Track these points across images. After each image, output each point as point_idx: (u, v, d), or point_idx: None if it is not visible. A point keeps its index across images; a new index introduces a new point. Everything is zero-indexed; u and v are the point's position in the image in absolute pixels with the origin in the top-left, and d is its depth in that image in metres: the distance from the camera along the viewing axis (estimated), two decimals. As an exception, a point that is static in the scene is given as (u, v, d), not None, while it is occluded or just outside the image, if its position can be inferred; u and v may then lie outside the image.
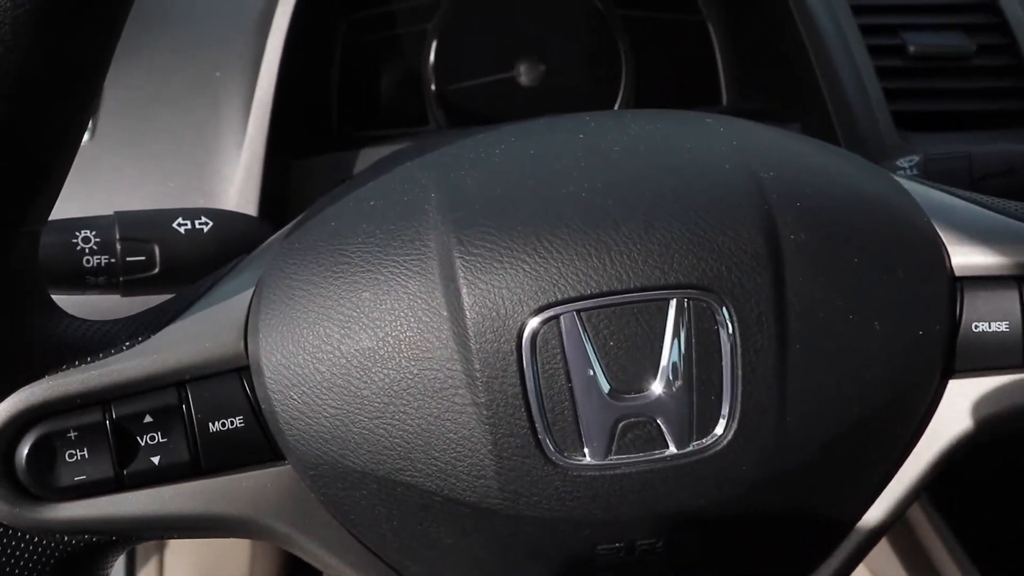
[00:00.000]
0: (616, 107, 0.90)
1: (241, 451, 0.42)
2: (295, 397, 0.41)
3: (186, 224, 0.55)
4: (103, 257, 0.53)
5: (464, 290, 0.39)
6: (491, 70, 0.89)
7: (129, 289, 0.54)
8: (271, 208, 0.68)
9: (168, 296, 0.55)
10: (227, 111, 0.70)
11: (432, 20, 0.87)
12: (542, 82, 0.89)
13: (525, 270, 0.39)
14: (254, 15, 0.74)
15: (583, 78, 0.90)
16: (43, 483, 0.40)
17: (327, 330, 0.41)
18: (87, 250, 0.52)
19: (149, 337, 0.42)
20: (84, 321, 0.43)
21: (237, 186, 0.67)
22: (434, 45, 0.86)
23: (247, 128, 0.69)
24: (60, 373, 0.41)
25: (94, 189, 0.68)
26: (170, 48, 0.74)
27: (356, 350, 0.40)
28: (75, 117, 0.38)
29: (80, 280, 0.53)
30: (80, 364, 0.41)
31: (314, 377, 0.41)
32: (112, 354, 0.42)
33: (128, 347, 0.42)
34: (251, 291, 0.44)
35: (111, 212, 0.59)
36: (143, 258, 0.53)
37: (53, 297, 0.44)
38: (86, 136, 0.71)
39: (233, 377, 0.42)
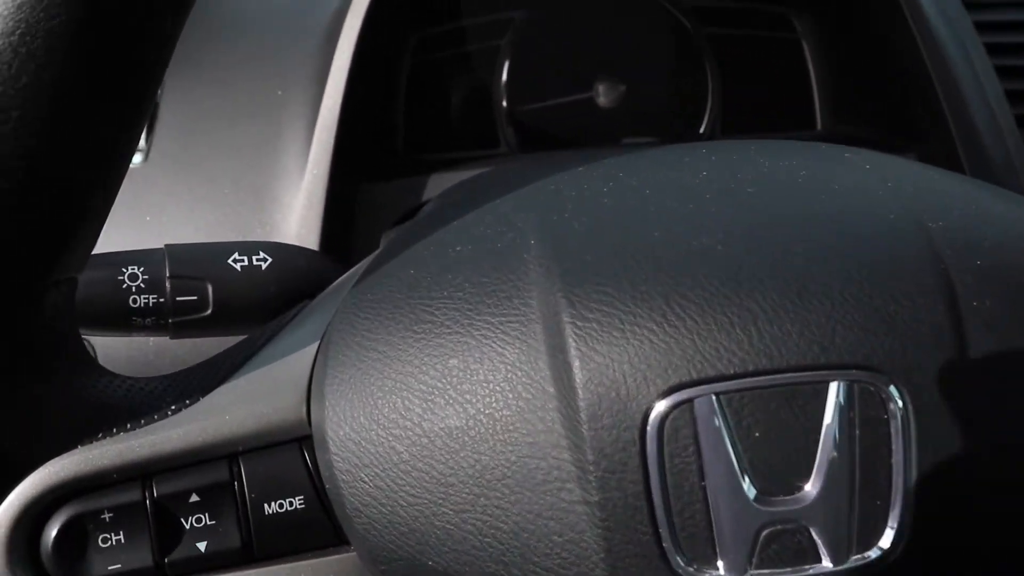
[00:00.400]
0: (701, 130, 0.84)
1: (300, 535, 0.36)
2: (366, 479, 0.35)
3: (243, 260, 0.49)
4: (151, 296, 0.47)
5: (576, 363, 0.32)
6: (567, 90, 0.84)
7: (179, 331, 0.49)
8: (334, 239, 0.63)
9: (222, 338, 0.49)
10: (289, 132, 0.65)
11: (505, 37, 0.82)
12: (621, 104, 0.83)
13: (652, 341, 0.32)
14: (320, 30, 0.69)
15: (665, 100, 0.84)
16: (73, 572, 0.35)
17: (406, 402, 0.35)
18: (134, 288, 0.47)
19: (198, 399, 0.37)
20: (124, 379, 0.38)
21: (298, 213, 0.62)
22: (507, 63, 0.82)
23: (310, 150, 0.63)
24: (95, 443, 0.35)
25: (143, 214, 0.64)
26: (230, 63, 0.69)
27: (441, 429, 0.34)
28: (118, 147, 0.32)
29: (125, 321, 0.47)
30: (118, 431, 0.36)
31: (390, 457, 0.34)
32: (155, 420, 0.36)
33: (174, 411, 0.36)
34: (315, 346, 0.38)
35: (161, 243, 0.54)
36: (195, 298, 0.48)
37: (90, 338, 0.38)
38: (138, 157, 0.66)
39: (293, 449, 0.36)
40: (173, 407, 0.37)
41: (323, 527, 0.36)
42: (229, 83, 0.68)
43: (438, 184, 0.71)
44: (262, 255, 0.50)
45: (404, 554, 0.35)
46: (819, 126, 0.86)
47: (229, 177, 0.64)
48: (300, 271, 0.51)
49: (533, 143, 0.83)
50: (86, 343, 0.54)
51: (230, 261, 0.49)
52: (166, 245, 0.50)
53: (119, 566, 0.35)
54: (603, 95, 0.83)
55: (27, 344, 0.34)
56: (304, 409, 0.37)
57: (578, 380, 0.32)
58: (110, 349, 0.57)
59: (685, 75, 0.84)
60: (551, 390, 0.32)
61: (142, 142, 0.66)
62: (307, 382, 0.37)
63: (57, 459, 0.35)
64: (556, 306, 0.33)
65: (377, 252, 0.42)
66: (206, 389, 0.37)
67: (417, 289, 0.36)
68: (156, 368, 0.61)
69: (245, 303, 0.49)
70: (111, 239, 0.66)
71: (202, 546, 0.36)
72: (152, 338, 0.50)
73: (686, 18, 0.83)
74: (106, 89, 0.30)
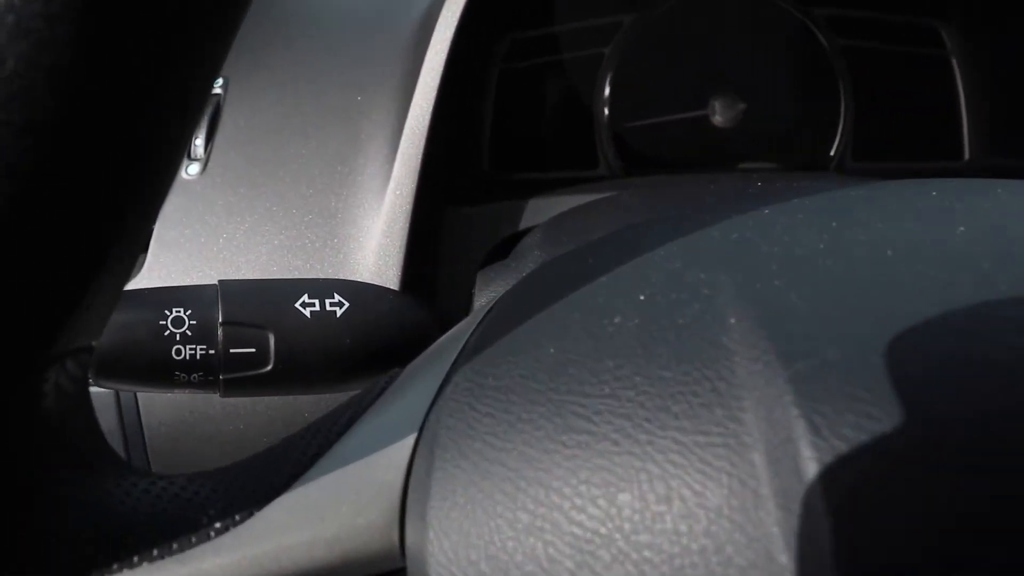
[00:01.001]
0: (831, 156, 0.74)
1: None
2: None
3: (313, 305, 0.40)
4: (199, 347, 0.38)
5: (828, 524, 0.22)
6: (678, 106, 0.74)
7: (231, 390, 0.39)
8: (417, 272, 0.53)
9: (281, 398, 0.40)
10: (369, 144, 0.55)
11: (610, 44, 0.73)
12: (740, 123, 0.74)
13: (956, 497, 0.21)
14: (407, 29, 0.60)
15: (791, 121, 0.75)
16: None
17: (551, 550, 0.24)
18: (178, 336, 0.38)
19: (250, 514, 0.27)
20: (151, 480, 0.28)
21: (377, 240, 0.52)
22: (610, 73, 0.72)
23: (393, 167, 0.54)
24: None
25: (196, 235, 0.55)
26: (303, 64, 0.60)
27: None
28: (151, 170, 0.23)
29: (167, 376, 0.38)
30: (140, 560, 0.26)
31: None
32: (192, 543, 0.27)
33: (217, 532, 0.27)
34: (411, 443, 0.28)
35: (213, 270, 0.45)
36: (252, 351, 0.39)
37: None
38: (194, 168, 0.57)
39: None
40: (217, 525, 0.27)
41: None
42: (301, 87, 0.59)
43: (540, 210, 0.62)
44: (337, 298, 0.40)
45: None
46: (967, 155, 0.76)
47: (298, 194, 0.55)
48: (382, 320, 0.41)
49: (637, 165, 0.73)
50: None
51: (298, 305, 0.40)
52: (220, 281, 0.40)
53: None
54: (720, 113, 0.74)
55: (21, 445, 0.24)
56: (396, 534, 0.27)
57: (829, 552, 0.21)
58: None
59: (815, 94, 0.74)
60: (783, 560, 0.22)
61: (199, 150, 0.57)
62: (400, 495, 0.27)
63: None
64: (788, 428, 0.23)
65: (490, 311, 0.32)
66: (261, 499, 0.28)
67: (563, 379, 0.26)
68: (197, 418, 0.52)
69: (313, 359, 0.40)
70: (153, 265, 0.58)
71: None
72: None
73: (819, 29, 0.73)
74: (141, 82, 0.21)
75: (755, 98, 0.73)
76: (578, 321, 0.28)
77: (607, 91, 0.72)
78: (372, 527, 0.27)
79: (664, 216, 0.35)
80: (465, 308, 0.56)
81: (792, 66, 0.74)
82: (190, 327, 0.38)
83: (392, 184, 0.53)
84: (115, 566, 0.26)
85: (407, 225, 0.52)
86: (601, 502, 0.24)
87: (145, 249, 0.55)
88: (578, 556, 0.24)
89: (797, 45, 0.73)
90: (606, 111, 0.72)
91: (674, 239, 0.31)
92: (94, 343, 0.26)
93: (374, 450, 0.28)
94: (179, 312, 0.38)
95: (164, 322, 0.38)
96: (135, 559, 0.26)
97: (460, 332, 0.33)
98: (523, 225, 0.61)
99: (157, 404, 0.50)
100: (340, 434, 0.29)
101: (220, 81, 0.61)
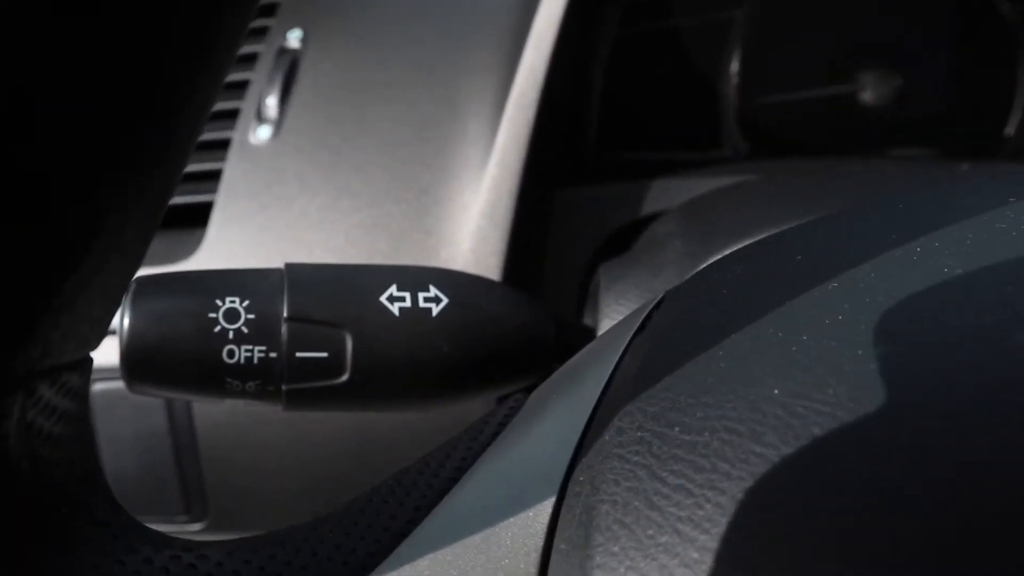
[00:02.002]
0: (1005, 139, 0.63)
1: None
2: None
3: (402, 299, 0.31)
4: (257, 349, 0.30)
5: None
6: (820, 81, 0.65)
7: (295, 403, 0.31)
8: (522, 261, 0.44)
9: (356, 411, 0.32)
10: (469, 109, 0.47)
11: (742, 6, 0.64)
12: (894, 102, 0.63)
13: None
14: None
15: (952, 100, 0.64)
16: None
17: None
18: (231, 334, 0.30)
19: None
20: (176, 555, 0.19)
21: (475, 222, 0.44)
22: (741, 41, 0.63)
23: (496, 137, 0.45)
24: None
25: (263, 206, 0.46)
26: (393, 13, 0.52)
27: None
28: (155, 120, 0.15)
29: (215, 384, 0.30)
30: None
31: None
32: None
33: None
34: (546, 513, 0.19)
35: (280, 249, 0.37)
36: (324, 355, 0.30)
37: None
38: (265, 131, 0.49)
39: None
40: None
41: None
42: (389, 40, 0.51)
43: (657, 193, 0.53)
44: (433, 292, 0.31)
45: None
46: None
47: (382, 165, 0.46)
48: (489, 322, 0.32)
49: (767, 146, 0.64)
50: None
51: (383, 299, 0.31)
52: (287, 265, 0.32)
53: None
54: (870, 89, 0.64)
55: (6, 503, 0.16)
56: None
57: None
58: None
59: (985, 69, 0.63)
60: None
61: (272, 111, 0.49)
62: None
63: None
64: None
65: (647, 322, 0.23)
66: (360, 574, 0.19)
67: (806, 434, 0.17)
68: (256, 422, 0.44)
69: (400, 370, 0.31)
70: (214, 242, 0.50)
71: None
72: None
73: (994, -7, 0.63)
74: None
75: (913, 73, 0.63)
76: (812, 347, 0.18)
77: (737, 62, 0.63)
78: None
79: (877, 200, 0.25)
80: (575, 308, 0.47)
81: (959, 35, 0.64)
82: (247, 322, 0.30)
83: (495, 156, 0.45)
84: None
85: (512, 205, 0.43)
86: None
87: (202, 224, 0.47)
88: None
89: (968, 12, 0.63)
90: (734, 84, 0.63)
91: (927, 231, 0.21)
92: (90, 354, 0.18)
93: (492, 524, 0.19)
94: (234, 303, 0.30)
95: (215, 315, 0.30)
96: None
97: (605, 349, 0.23)
98: (644, 211, 0.52)
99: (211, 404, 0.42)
100: (440, 495, 0.20)
101: (298, 33, 0.53)
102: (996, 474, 0.16)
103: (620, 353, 0.23)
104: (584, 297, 0.46)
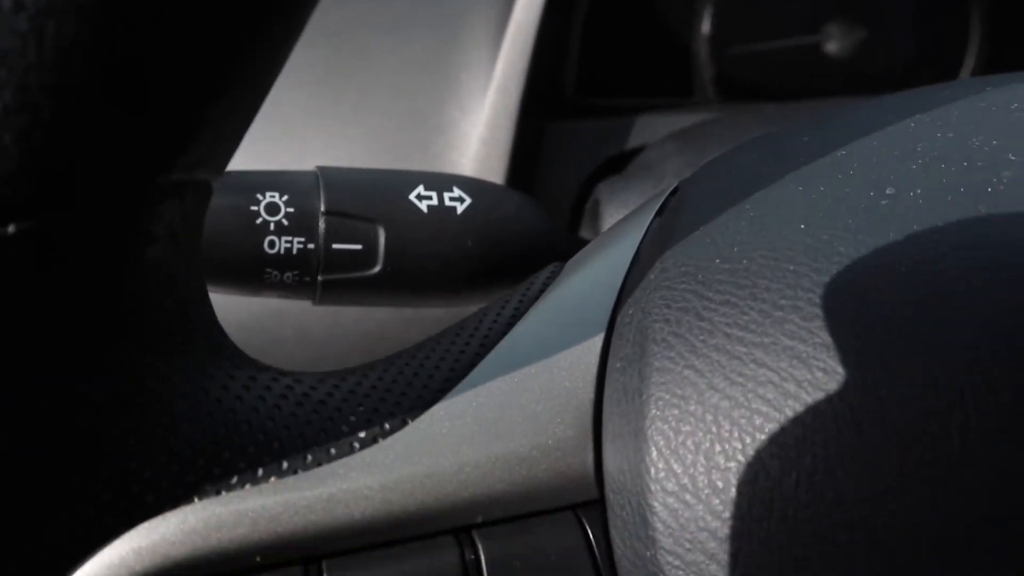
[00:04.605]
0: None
1: None
2: None
3: (429, 198, 0.33)
4: (296, 240, 0.32)
5: None
6: (787, 31, 0.67)
7: (328, 295, 0.33)
8: (520, 186, 0.47)
9: (385, 306, 0.34)
10: (468, 41, 0.48)
11: (713, -42, 0.66)
12: (857, 52, 0.66)
13: None
14: None
15: (913, 50, 0.67)
16: None
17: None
18: (272, 226, 0.31)
19: (403, 423, 0.21)
20: (276, 375, 0.22)
21: (475, 149, 0.46)
22: None
23: (495, 67, 0.47)
24: (226, 492, 0.19)
25: (265, 138, 0.48)
26: None
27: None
28: None
29: (255, 273, 0.32)
30: (265, 475, 0.20)
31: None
32: (332, 456, 0.20)
33: (363, 444, 0.20)
34: (598, 343, 0.22)
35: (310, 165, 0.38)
36: (359, 247, 0.32)
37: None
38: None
39: (566, 522, 0.20)
40: (361, 434, 0.21)
41: None
42: None
43: (641, 127, 0.55)
44: (457, 193, 0.34)
45: None
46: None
47: (384, 94, 0.48)
48: (508, 223, 0.34)
49: (736, 95, 0.67)
50: None
51: (412, 197, 0.33)
52: (318, 167, 0.34)
53: None
54: (835, 40, 0.67)
55: (130, 298, 0.18)
56: (590, 457, 0.21)
57: None
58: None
59: (942, 19, 0.66)
60: None
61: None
62: (592, 408, 0.21)
63: (157, 520, 0.19)
64: None
65: (671, 197, 0.25)
66: (414, 406, 0.21)
67: (834, 258, 0.19)
68: (280, 324, 0.46)
69: (429, 262, 0.33)
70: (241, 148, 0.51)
71: None
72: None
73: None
74: None
75: (876, 24, 0.66)
76: (830, 196, 0.21)
77: (709, 12, 0.65)
78: (561, 446, 0.21)
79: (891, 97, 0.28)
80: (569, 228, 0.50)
81: (918, -11, 0.67)
82: (286, 215, 0.32)
83: (495, 83, 0.47)
84: (235, 479, 0.20)
85: (512, 131, 0.46)
86: (919, 413, 0.17)
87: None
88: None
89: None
90: (706, 36, 0.65)
91: (925, 111, 0.24)
92: (213, 182, 0.20)
93: (550, 353, 0.22)
94: (273, 197, 0.32)
95: (256, 207, 0.31)
96: (260, 472, 0.20)
97: (635, 217, 0.26)
98: (632, 144, 0.54)
99: (235, 304, 0.44)
100: (501, 334, 0.23)
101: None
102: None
103: (652, 216, 0.25)
104: (577, 221, 0.49)
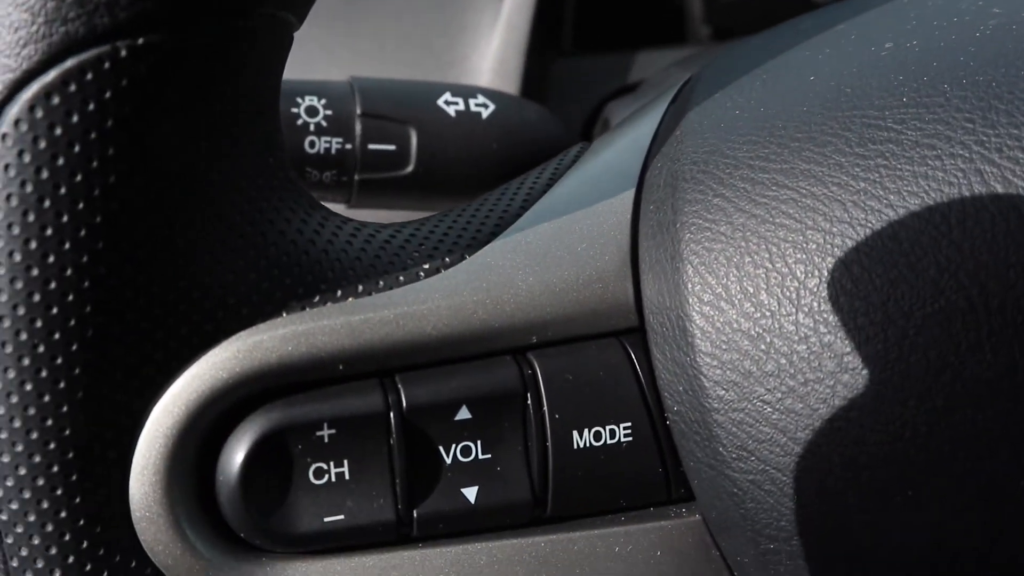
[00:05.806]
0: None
1: (620, 485, 0.23)
2: (765, 399, 0.21)
3: (456, 103, 0.35)
4: (335, 140, 0.34)
5: None
6: None
7: (364, 194, 0.35)
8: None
9: (415, 209, 0.36)
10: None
11: (707, -90, 0.68)
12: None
13: None
14: None
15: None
16: (265, 522, 0.22)
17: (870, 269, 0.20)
18: (312, 127, 0.34)
19: (462, 258, 0.23)
20: (344, 220, 0.24)
21: (486, 79, 0.48)
22: None
23: (502, 5, 0.49)
24: (310, 309, 0.22)
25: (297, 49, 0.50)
26: None
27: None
28: None
29: (297, 172, 0.34)
30: (344, 295, 0.22)
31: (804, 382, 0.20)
32: (401, 282, 0.23)
33: (427, 272, 0.23)
34: (631, 188, 0.24)
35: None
36: (392, 148, 0.35)
37: None
38: None
39: (612, 347, 0.23)
40: (425, 266, 0.23)
41: (651, 474, 0.23)
42: None
43: (643, 61, 0.57)
44: (481, 100, 0.36)
45: (804, 531, 0.21)
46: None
47: (395, 30, 0.50)
48: (529, 128, 0.37)
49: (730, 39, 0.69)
50: None
51: (441, 103, 0.35)
52: (352, 77, 0.36)
53: (341, 517, 0.22)
54: (824, -15, 0.69)
55: (222, 120, 0.20)
56: (630, 287, 0.23)
57: None
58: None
59: None
60: None
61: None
62: (629, 243, 0.23)
63: (252, 330, 0.21)
64: None
65: (691, 79, 0.28)
66: (471, 244, 0.23)
67: (843, 99, 0.22)
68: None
69: (456, 163, 0.35)
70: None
71: (471, 494, 0.22)
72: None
73: None
74: None
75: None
76: (835, 55, 0.24)
77: None
78: (603, 276, 0.23)
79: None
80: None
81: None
82: (325, 117, 0.34)
83: (503, 17, 0.49)
84: (317, 298, 0.22)
85: (521, 64, 0.48)
86: (924, 211, 0.20)
87: None
88: (893, 272, 0.20)
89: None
90: None
91: None
92: (297, 23, 0.22)
93: (588, 203, 0.24)
94: (312, 101, 0.34)
95: (296, 110, 0.34)
96: (339, 293, 0.22)
97: (651, 106, 0.28)
98: (634, 77, 0.56)
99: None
100: (542, 192, 0.25)
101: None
102: None
103: (670, 100, 0.28)
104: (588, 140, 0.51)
